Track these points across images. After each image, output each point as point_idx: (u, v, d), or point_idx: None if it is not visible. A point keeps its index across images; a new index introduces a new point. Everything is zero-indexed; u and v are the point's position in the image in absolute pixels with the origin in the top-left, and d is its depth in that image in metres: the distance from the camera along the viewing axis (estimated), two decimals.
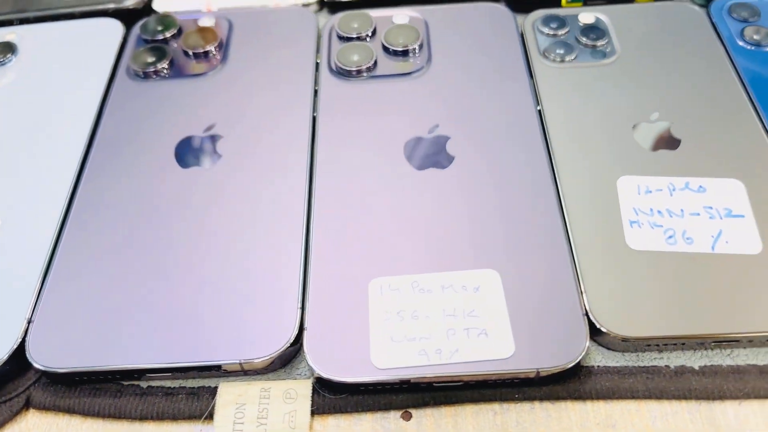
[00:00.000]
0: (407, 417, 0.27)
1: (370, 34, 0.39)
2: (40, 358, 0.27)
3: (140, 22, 0.41)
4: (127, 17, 0.42)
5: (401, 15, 0.39)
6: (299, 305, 0.28)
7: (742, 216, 0.30)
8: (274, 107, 0.36)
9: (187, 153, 0.34)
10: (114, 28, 0.41)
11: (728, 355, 0.27)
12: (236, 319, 0.28)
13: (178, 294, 0.29)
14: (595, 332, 0.27)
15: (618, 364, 0.27)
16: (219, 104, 0.36)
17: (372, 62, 0.37)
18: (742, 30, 0.37)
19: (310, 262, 0.29)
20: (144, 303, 0.28)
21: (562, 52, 0.37)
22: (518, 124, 0.34)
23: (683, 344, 0.27)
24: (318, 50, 0.39)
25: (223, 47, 0.39)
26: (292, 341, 0.27)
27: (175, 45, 0.39)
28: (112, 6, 0.42)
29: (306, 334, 0.27)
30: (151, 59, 0.38)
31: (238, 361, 0.27)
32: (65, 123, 0.36)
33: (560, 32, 0.38)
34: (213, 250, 0.30)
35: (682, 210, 0.30)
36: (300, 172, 0.32)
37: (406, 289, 0.28)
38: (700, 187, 0.31)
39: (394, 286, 0.28)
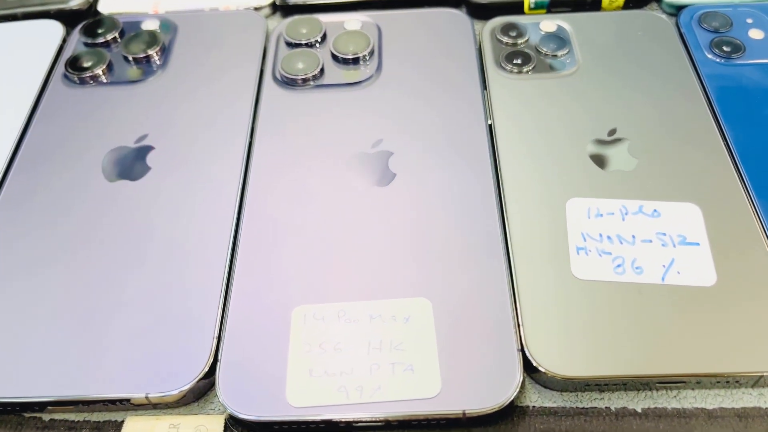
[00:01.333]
0: None
1: (319, 41, 0.37)
2: None
3: (81, 25, 0.39)
4: (72, 19, 0.40)
5: (353, 21, 0.37)
6: (215, 335, 0.26)
7: (697, 244, 0.27)
8: (211, 117, 0.34)
9: (114, 165, 0.32)
10: (54, 30, 0.39)
11: (674, 397, 0.25)
12: (147, 349, 0.26)
13: (86, 321, 0.27)
14: (531, 369, 0.25)
15: (555, 405, 0.25)
16: (154, 113, 0.34)
17: (318, 70, 0.35)
18: (712, 41, 0.35)
19: (232, 287, 0.27)
20: (48, 329, 0.26)
21: (519, 62, 0.35)
22: (466, 139, 0.32)
23: (625, 385, 0.25)
24: (264, 57, 0.37)
25: (165, 52, 0.37)
26: (204, 373, 0.25)
27: (115, 49, 0.37)
28: (55, 7, 0.40)
29: (220, 366, 0.25)
30: (86, 63, 0.36)
31: (144, 395, 0.25)
32: None
33: (519, 41, 0.36)
34: (129, 274, 0.28)
35: (633, 236, 0.28)
36: (231, 189, 0.30)
37: (332, 318, 0.26)
38: (655, 211, 0.29)
39: (319, 315, 0.26)
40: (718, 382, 0.25)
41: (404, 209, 0.29)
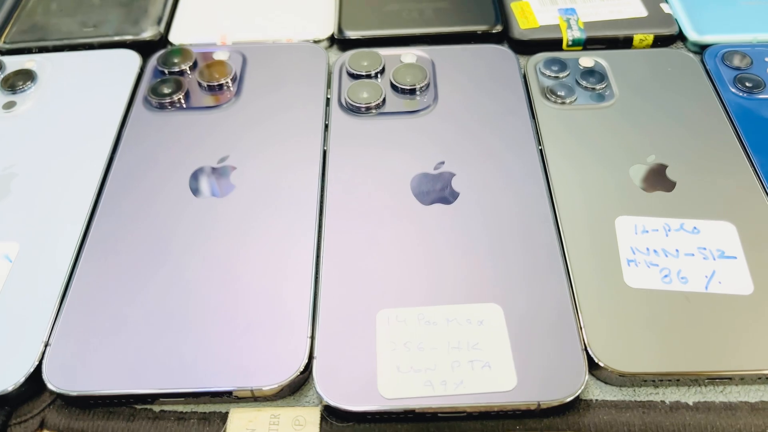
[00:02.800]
0: None
1: (379, 72, 0.40)
2: (56, 381, 0.28)
3: (157, 54, 0.42)
4: (144, 49, 0.43)
5: (409, 54, 0.41)
6: (309, 335, 0.29)
7: (735, 257, 0.31)
8: (285, 140, 0.37)
9: (201, 183, 0.35)
10: (131, 59, 0.42)
11: (721, 392, 0.28)
12: (248, 347, 0.29)
13: (192, 322, 0.30)
14: (593, 367, 0.28)
15: (615, 398, 0.28)
16: (232, 136, 0.37)
17: (381, 99, 0.38)
18: (735, 77, 0.39)
19: (320, 292, 0.30)
20: (158, 329, 0.29)
21: (563, 93, 0.38)
22: (520, 162, 0.35)
23: (678, 380, 0.28)
24: (329, 86, 0.40)
25: (237, 80, 0.40)
26: (302, 370, 0.28)
27: (191, 77, 0.41)
28: (129, 38, 0.44)
29: (315, 363, 0.28)
30: (167, 90, 0.39)
31: (249, 388, 0.28)
32: (83, 151, 0.37)
33: (561, 75, 0.40)
34: (226, 280, 0.31)
35: (677, 250, 0.31)
36: (310, 205, 0.34)
37: (413, 320, 0.29)
38: (695, 228, 0.32)
39: (401, 317, 0.29)
40: (759, 378, 0.28)
41: (470, 224, 0.33)
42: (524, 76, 0.40)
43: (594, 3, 0.44)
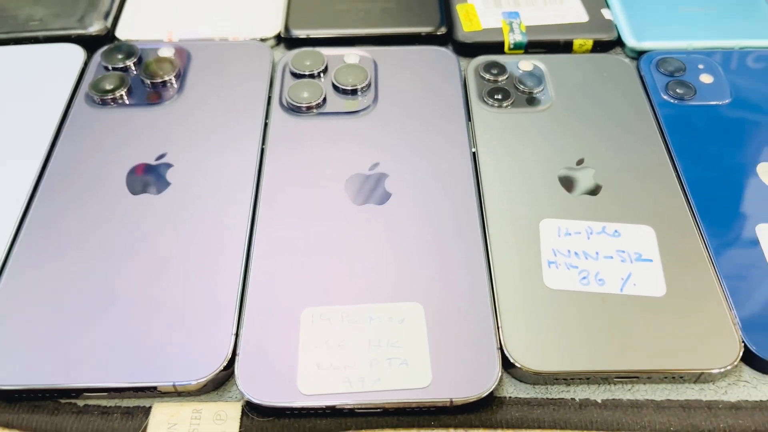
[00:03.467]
0: None
1: (321, 72, 0.41)
2: None
3: (102, 50, 0.42)
4: (91, 44, 0.43)
5: (352, 55, 0.42)
6: (234, 332, 0.30)
7: (651, 260, 0.32)
8: (224, 138, 0.37)
9: (137, 180, 0.35)
10: (75, 53, 0.42)
11: (629, 390, 0.29)
12: (173, 343, 0.29)
13: (117, 317, 0.30)
14: (508, 365, 0.29)
15: (528, 396, 0.29)
16: (172, 133, 0.38)
17: (321, 99, 0.39)
18: (667, 84, 0.40)
19: (248, 290, 0.31)
20: (84, 324, 0.30)
21: (499, 97, 0.39)
22: (453, 165, 0.36)
23: (588, 379, 0.29)
24: (271, 85, 0.40)
25: (180, 77, 0.41)
26: (224, 366, 0.29)
27: (134, 73, 0.41)
28: (75, 32, 0.44)
29: (238, 360, 0.29)
30: (108, 86, 0.39)
31: (171, 383, 0.28)
32: (21, 146, 0.37)
33: (500, 78, 0.40)
34: (155, 276, 0.31)
35: (597, 252, 0.32)
36: (244, 203, 0.34)
37: (336, 319, 0.30)
38: (615, 231, 0.33)
39: (326, 316, 0.30)
40: (666, 377, 0.29)
41: (399, 225, 0.33)
42: (464, 79, 0.41)
43: (537, 7, 0.45)
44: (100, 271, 0.32)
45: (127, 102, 0.39)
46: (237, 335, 0.30)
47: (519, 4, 0.45)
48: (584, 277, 0.31)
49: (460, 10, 0.45)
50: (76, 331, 0.30)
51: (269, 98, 0.40)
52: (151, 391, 0.29)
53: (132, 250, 0.32)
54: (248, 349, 0.29)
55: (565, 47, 0.43)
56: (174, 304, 0.30)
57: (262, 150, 0.37)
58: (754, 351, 0.29)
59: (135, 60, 0.41)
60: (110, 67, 0.41)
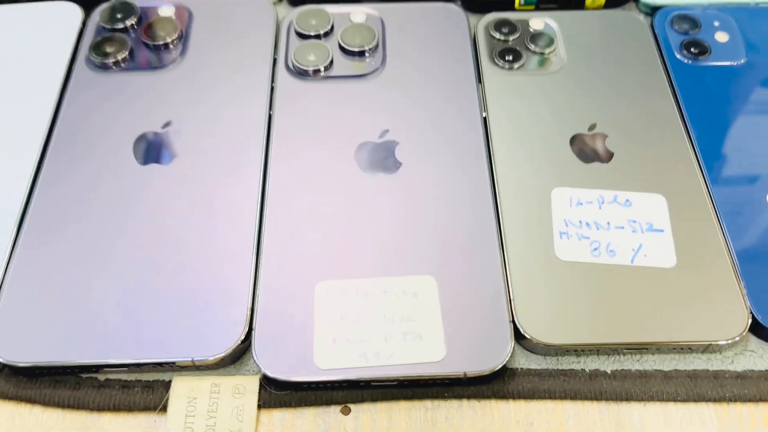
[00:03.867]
0: (346, 411, 0.29)
1: (327, 32, 0.39)
2: (3, 352, 0.29)
3: (99, 9, 0.41)
4: (87, 2, 0.42)
5: (358, 13, 0.40)
6: (249, 306, 0.30)
7: (662, 231, 0.32)
8: (230, 104, 0.37)
9: (144, 150, 0.35)
10: (72, 12, 0.41)
11: (638, 360, 0.30)
12: (189, 318, 0.30)
13: (134, 293, 0.30)
14: (520, 337, 0.30)
15: (539, 367, 0.30)
16: (176, 99, 0.37)
17: (328, 62, 0.38)
18: (682, 42, 0.39)
19: (261, 264, 0.31)
20: (102, 301, 0.30)
21: (510, 58, 0.38)
22: (464, 131, 0.36)
23: (598, 350, 0.30)
24: (276, 46, 0.39)
25: (182, 38, 0.39)
26: (241, 341, 0.29)
27: (135, 34, 0.40)
28: None
29: (254, 334, 0.29)
30: (110, 49, 0.38)
31: (190, 359, 0.29)
32: (24, 113, 0.36)
33: (511, 37, 0.39)
34: (167, 250, 0.31)
35: (608, 223, 0.32)
36: (253, 175, 0.34)
37: (350, 293, 0.30)
38: (627, 200, 0.33)
39: (340, 290, 0.30)
40: (674, 348, 0.30)
41: (410, 196, 0.33)
42: (474, 38, 0.40)
43: None
44: (114, 248, 0.32)
45: (129, 66, 0.38)
46: (252, 310, 0.30)
47: None
48: (595, 248, 0.32)
49: None
50: (94, 308, 0.30)
51: (274, 60, 0.39)
52: (171, 366, 0.29)
53: (144, 225, 0.32)
54: (264, 324, 0.30)
55: (577, 3, 0.42)
56: (189, 279, 0.31)
57: (270, 116, 0.36)
58: (761, 321, 0.30)
59: (135, 20, 0.40)
60: (109, 28, 0.40)
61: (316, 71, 0.38)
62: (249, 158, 0.35)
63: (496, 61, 0.38)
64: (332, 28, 0.40)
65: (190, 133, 0.35)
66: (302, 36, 0.39)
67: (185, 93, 0.37)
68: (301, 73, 0.38)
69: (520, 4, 0.42)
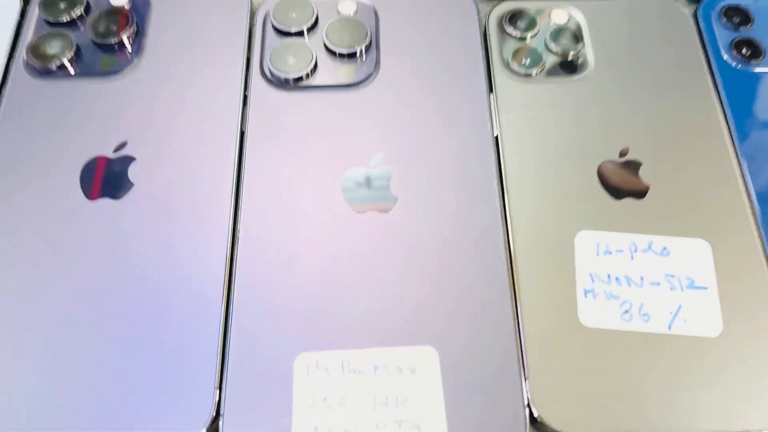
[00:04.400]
0: None
1: (311, 27, 0.33)
2: None
3: None
4: None
5: (347, 2, 0.34)
6: (216, 385, 0.25)
7: (705, 288, 0.27)
8: (196, 120, 0.31)
9: (93, 180, 0.29)
10: (9, 3, 0.34)
11: None
12: (148, 400, 0.25)
13: (83, 376, 0.25)
14: (534, 421, 0.25)
15: None
16: (132, 114, 0.31)
17: (310, 67, 0.32)
18: (732, 41, 0.33)
19: (230, 331, 0.26)
20: (49, 378, 0.25)
21: (527, 62, 0.32)
22: (472, 156, 0.30)
23: None
24: (250, 43, 0.33)
25: (138, 35, 0.33)
26: (207, 427, 0.25)
27: (81, 30, 0.33)
28: None
29: (222, 421, 0.25)
30: (52, 50, 0.32)
31: None
32: None
33: (529, 34, 0.33)
34: (120, 314, 0.27)
35: (641, 278, 0.27)
36: (222, 215, 0.29)
37: (335, 368, 0.26)
38: (664, 248, 0.28)
39: (322, 364, 0.26)
40: None
41: (407, 242, 0.28)
42: (485, 32, 0.34)
43: None
44: (54, 311, 0.27)
45: (74, 71, 0.32)
46: (221, 389, 0.25)
47: None
48: (626, 311, 0.27)
49: None
50: (41, 388, 0.25)
51: (248, 61, 0.33)
52: None
53: (92, 280, 0.27)
54: (234, 407, 0.25)
55: None
56: (146, 351, 0.26)
57: (242, 134, 0.31)
58: None
59: (81, 11, 0.34)
60: (51, 22, 0.33)
61: (297, 79, 0.32)
62: (217, 191, 0.29)
63: (510, 65, 0.32)
64: (316, 21, 0.33)
65: (147, 158, 0.30)
66: (281, 32, 0.33)
67: (142, 106, 0.31)
68: (279, 82, 0.32)
69: None
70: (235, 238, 0.28)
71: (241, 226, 0.28)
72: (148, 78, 0.32)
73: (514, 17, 0.34)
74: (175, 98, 0.31)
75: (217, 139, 0.30)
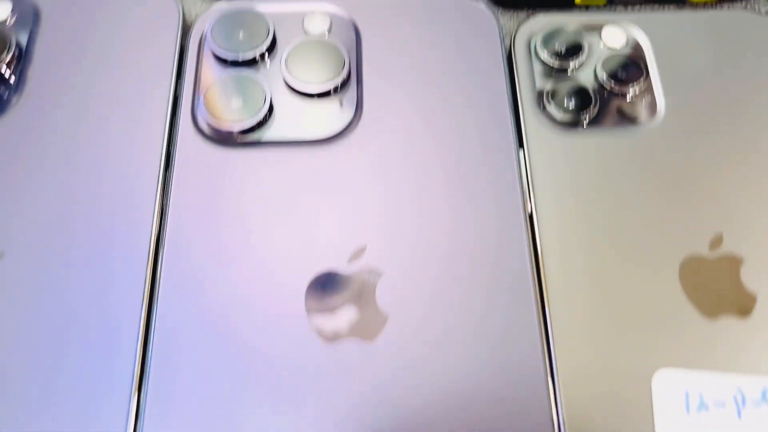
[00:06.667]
0: None
1: (264, 53, 0.23)
2: None
3: None
4: None
5: (317, 17, 0.24)
6: None
7: None
8: (97, 187, 0.21)
9: None
10: None
11: None
12: None
13: None
14: None
15: None
16: (6, 185, 0.21)
17: (263, 113, 0.22)
18: None
19: None
20: None
21: (572, 106, 0.23)
22: (495, 250, 0.21)
23: None
24: (179, 73, 0.23)
25: (21, 60, 0.23)
26: None
27: None
28: None
29: None
30: None
31: None
32: None
33: (572, 62, 0.24)
34: None
35: None
36: (130, 332, 0.19)
37: None
38: None
39: None
40: None
41: (398, 389, 0.19)
42: (510, 57, 0.24)
43: None
44: None
45: None
46: None
47: None
48: None
49: None
50: None
51: (175, 101, 0.23)
52: None
53: None
54: None
55: None
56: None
57: (162, 213, 0.21)
58: None
59: None
60: None
61: (244, 131, 0.22)
62: (127, 291, 0.20)
63: (546, 107, 0.23)
64: (273, 44, 0.24)
65: (24, 261, 0.20)
66: (222, 60, 0.23)
67: (25, 159, 0.22)
68: (217, 134, 0.22)
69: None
70: (144, 380, 0.19)
71: (153, 351, 0.19)
72: (33, 121, 0.22)
73: (550, 38, 0.24)
74: (68, 159, 0.22)
75: (128, 218, 0.21)
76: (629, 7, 0.26)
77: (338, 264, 0.20)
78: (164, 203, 0.21)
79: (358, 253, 0.20)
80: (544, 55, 0.24)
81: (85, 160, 0.22)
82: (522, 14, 0.26)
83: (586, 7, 0.26)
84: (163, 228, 0.21)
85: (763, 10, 0.26)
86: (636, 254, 0.20)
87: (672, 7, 0.26)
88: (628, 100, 0.23)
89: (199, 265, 0.20)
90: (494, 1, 0.26)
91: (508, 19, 0.26)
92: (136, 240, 0.21)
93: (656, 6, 0.26)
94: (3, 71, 0.23)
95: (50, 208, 0.21)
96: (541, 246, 0.21)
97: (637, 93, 0.23)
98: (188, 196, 0.21)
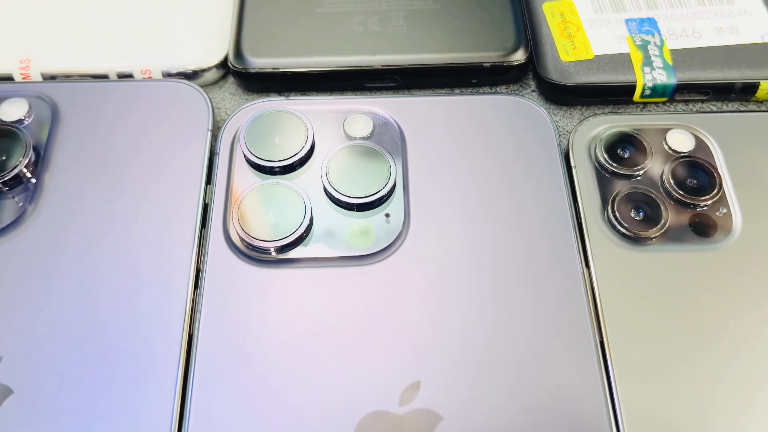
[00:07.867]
0: None
1: (303, 159, 0.22)
2: None
3: None
4: None
5: (360, 118, 0.22)
6: None
7: None
8: (124, 305, 0.19)
9: None
10: None
11: None
12: None
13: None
14: None
15: None
16: (16, 306, 0.19)
17: (303, 227, 0.20)
18: None
19: None
20: None
21: (642, 216, 0.21)
22: (570, 393, 0.18)
23: None
24: (209, 180, 0.22)
25: (40, 163, 0.22)
26: None
27: None
28: None
29: None
30: None
31: None
32: None
33: (638, 171, 0.22)
34: None
35: None
36: None
37: None
38: None
39: None
40: None
41: None
42: (567, 160, 0.22)
43: (688, 10, 0.25)
44: None
45: None
46: None
47: (656, 4, 0.25)
48: None
49: (549, 15, 0.25)
50: None
51: (204, 212, 0.21)
52: None
53: None
54: None
55: (744, 92, 0.24)
56: None
57: (189, 339, 0.19)
58: None
59: None
60: None
61: (282, 248, 0.20)
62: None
63: (612, 221, 0.21)
64: (312, 150, 0.22)
65: (28, 388, 0.18)
66: (256, 167, 0.21)
67: (34, 291, 0.19)
68: (252, 250, 0.20)
69: (642, 95, 0.24)
70: None
71: None
72: (50, 234, 0.20)
73: (612, 144, 0.22)
74: (86, 270, 0.20)
75: (154, 346, 0.19)
76: (690, 105, 0.24)
77: (389, 404, 0.18)
78: (192, 328, 0.19)
79: (412, 391, 0.18)
80: (606, 159, 0.22)
81: (105, 283, 0.20)
82: (575, 111, 0.24)
83: (644, 105, 0.24)
84: (192, 356, 0.19)
85: None
86: (712, 379, 0.18)
87: (736, 102, 0.24)
88: (703, 211, 0.21)
89: (229, 404, 0.18)
90: (545, 96, 0.24)
91: (561, 116, 0.24)
92: (162, 369, 0.18)
93: (719, 101, 0.24)
94: (20, 175, 0.21)
95: (67, 332, 0.19)
96: (615, 383, 0.18)
97: (705, 204, 0.21)
98: (219, 322, 0.19)
